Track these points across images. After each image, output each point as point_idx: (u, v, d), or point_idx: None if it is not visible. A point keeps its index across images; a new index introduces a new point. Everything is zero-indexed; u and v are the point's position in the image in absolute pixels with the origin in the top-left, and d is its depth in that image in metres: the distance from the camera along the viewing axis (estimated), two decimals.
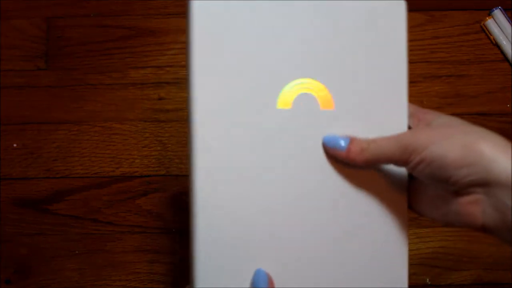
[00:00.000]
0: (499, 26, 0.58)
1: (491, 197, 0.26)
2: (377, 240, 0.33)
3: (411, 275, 0.54)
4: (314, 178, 0.32)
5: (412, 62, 0.59)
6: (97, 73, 0.58)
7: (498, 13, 0.58)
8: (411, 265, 0.54)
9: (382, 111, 0.33)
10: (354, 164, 0.32)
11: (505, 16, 0.58)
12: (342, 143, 0.31)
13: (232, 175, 0.32)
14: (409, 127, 0.34)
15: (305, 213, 0.32)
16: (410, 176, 0.33)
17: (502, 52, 0.59)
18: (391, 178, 0.33)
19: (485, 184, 0.26)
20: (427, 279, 0.53)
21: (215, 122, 0.31)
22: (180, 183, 0.56)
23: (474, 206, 0.28)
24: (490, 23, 0.59)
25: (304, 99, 0.32)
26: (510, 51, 0.58)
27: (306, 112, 0.32)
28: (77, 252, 0.55)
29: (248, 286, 0.31)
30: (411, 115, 0.34)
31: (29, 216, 0.56)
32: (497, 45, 0.59)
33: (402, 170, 0.33)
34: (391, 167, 0.33)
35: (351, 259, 0.33)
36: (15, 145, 0.57)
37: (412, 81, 0.59)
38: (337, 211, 0.33)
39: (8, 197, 0.56)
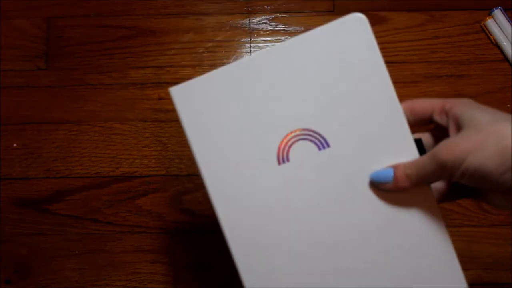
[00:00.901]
0: (499, 26, 0.58)
1: None
2: (423, 252, 0.33)
3: None
4: (339, 211, 0.33)
5: (412, 62, 0.59)
6: (97, 73, 0.58)
7: (498, 13, 0.58)
8: None
9: (378, 129, 0.33)
10: (401, 191, 0.32)
11: (505, 16, 0.58)
12: (389, 174, 0.32)
13: (257, 238, 0.33)
14: (436, 126, 0.34)
15: (341, 245, 0.33)
16: None
17: (502, 52, 0.59)
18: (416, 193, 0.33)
19: None
20: None
21: (227, 192, 0.33)
22: (180, 183, 0.56)
23: None
24: (490, 23, 0.59)
25: (300, 148, 0.33)
26: (510, 51, 0.58)
27: (306, 159, 0.33)
28: (77, 252, 0.55)
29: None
30: (438, 112, 0.33)
31: (29, 216, 0.56)
32: (497, 45, 0.59)
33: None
34: None
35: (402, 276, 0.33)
36: (15, 145, 0.57)
37: (413, 81, 0.59)
38: (372, 237, 0.33)
39: (8, 197, 0.56)
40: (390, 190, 0.32)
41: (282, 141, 0.33)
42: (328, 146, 0.33)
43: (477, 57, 0.59)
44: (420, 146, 0.33)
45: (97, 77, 0.58)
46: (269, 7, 0.61)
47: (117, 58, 0.59)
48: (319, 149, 0.33)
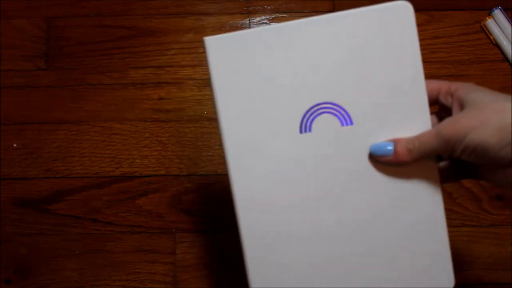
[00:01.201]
0: (499, 26, 0.58)
1: None
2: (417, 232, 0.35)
3: None
4: (347, 188, 0.34)
5: None
6: (97, 73, 0.58)
7: (498, 13, 0.58)
8: None
9: (402, 115, 0.34)
10: (402, 164, 0.34)
11: (505, 16, 0.58)
12: (389, 148, 0.33)
13: (268, 203, 0.34)
14: (441, 106, 0.35)
15: (345, 220, 0.34)
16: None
17: (502, 52, 0.59)
18: (422, 171, 0.34)
19: None
20: None
21: (246, 155, 0.34)
22: (180, 183, 0.56)
23: None
24: (490, 23, 0.59)
25: (324, 121, 0.34)
26: (510, 51, 0.58)
27: (327, 132, 0.34)
28: (77, 252, 0.55)
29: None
30: (444, 93, 0.35)
31: (29, 216, 0.56)
32: (497, 45, 0.59)
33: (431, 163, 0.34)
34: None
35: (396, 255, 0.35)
36: (15, 145, 0.57)
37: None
38: (375, 214, 0.34)
39: (8, 197, 0.56)
40: (391, 162, 0.34)
41: (307, 110, 0.34)
42: (352, 123, 0.34)
43: (477, 57, 0.59)
44: None
45: (97, 77, 0.58)
46: (269, 7, 0.61)
47: (117, 58, 0.59)
48: (342, 124, 0.34)
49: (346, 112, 0.34)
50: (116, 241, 0.55)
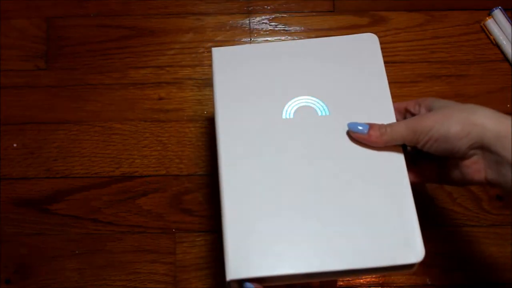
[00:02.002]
0: (499, 26, 0.58)
1: (486, 154, 0.35)
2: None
3: (411, 275, 0.54)
4: (322, 166, 0.39)
5: (412, 62, 0.59)
6: (97, 73, 0.58)
7: (498, 13, 0.58)
8: None
9: (370, 109, 0.41)
10: (374, 145, 0.39)
11: (505, 16, 0.58)
12: (363, 128, 0.39)
13: (252, 170, 0.39)
14: (410, 115, 0.42)
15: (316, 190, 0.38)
16: (433, 157, 0.39)
17: (502, 52, 0.59)
18: (391, 153, 0.39)
19: (480, 145, 0.35)
20: (427, 279, 0.53)
21: (236, 134, 0.40)
22: (180, 183, 0.56)
23: (476, 165, 0.36)
24: (490, 23, 0.59)
25: (304, 110, 0.41)
26: (510, 51, 0.58)
27: (307, 119, 0.41)
28: (77, 252, 0.55)
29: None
30: (412, 105, 0.41)
31: (29, 216, 0.56)
32: (497, 45, 0.59)
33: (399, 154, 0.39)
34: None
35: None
36: (15, 145, 0.57)
37: (413, 80, 0.59)
38: (343, 185, 0.38)
39: (8, 197, 0.56)
40: (362, 141, 0.39)
41: (290, 100, 0.41)
42: (328, 113, 0.41)
43: (477, 57, 0.59)
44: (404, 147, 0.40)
45: (97, 77, 0.58)
46: (269, 7, 0.61)
47: (117, 58, 0.59)
48: (319, 114, 0.41)
49: (324, 104, 0.41)
50: (116, 241, 0.55)
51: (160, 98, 0.58)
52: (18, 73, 0.58)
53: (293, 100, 0.41)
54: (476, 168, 0.37)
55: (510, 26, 0.58)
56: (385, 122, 0.39)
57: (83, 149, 0.57)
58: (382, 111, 0.41)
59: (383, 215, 0.37)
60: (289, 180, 0.38)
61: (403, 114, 0.43)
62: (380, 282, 0.53)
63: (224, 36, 0.60)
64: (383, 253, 0.36)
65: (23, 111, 0.58)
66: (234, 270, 0.35)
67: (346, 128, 0.40)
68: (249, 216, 0.37)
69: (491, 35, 0.59)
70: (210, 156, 0.56)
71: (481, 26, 0.59)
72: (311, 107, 0.41)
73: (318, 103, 0.41)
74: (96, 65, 0.59)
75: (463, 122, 0.35)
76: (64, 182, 0.56)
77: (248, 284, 0.35)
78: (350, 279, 0.53)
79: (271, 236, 0.37)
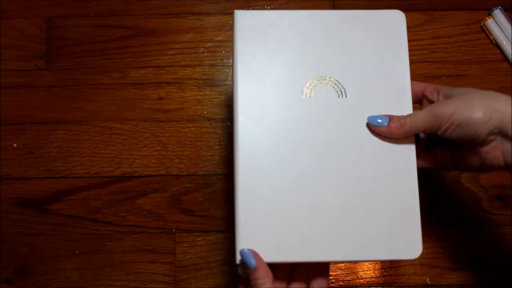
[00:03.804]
0: (499, 26, 0.58)
1: (505, 139, 0.36)
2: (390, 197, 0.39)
3: (411, 275, 0.54)
4: (334, 151, 0.39)
5: (412, 62, 0.59)
6: (97, 73, 0.58)
7: (498, 13, 0.58)
8: (412, 265, 0.54)
9: (388, 95, 0.40)
10: (395, 137, 0.39)
11: (505, 16, 0.58)
12: (382, 121, 0.39)
13: (267, 148, 0.39)
14: (427, 101, 0.42)
15: (329, 175, 0.39)
16: (447, 144, 0.41)
17: (502, 52, 0.59)
18: (402, 146, 0.40)
19: (500, 131, 0.35)
20: (427, 279, 0.53)
21: (254, 111, 0.40)
22: (180, 183, 0.56)
23: (495, 150, 0.37)
24: (490, 23, 0.59)
25: (323, 91, 0.40)
26: (510, 51, 0.58)
27: (324, 101, 0.40)
28: (77, 252, 0.55)
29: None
30: (430, 90, 0.41)
31: (29, 216, 0.56)
32: (497, 45, 0.59)
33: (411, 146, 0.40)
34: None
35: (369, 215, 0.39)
36: (15, 145, 0.57)
37: (413, 80, 0.59)
38: (356, 172, 0.39)
39: (8, 197, 0.56)
40: (382, 134, 0.39)
41: (310, 79, 0.40)
42: (346, 96, 0.40)
43: (477, 57, 0.59)
44: (417, 136, 0.41)
45: (97, 77, 0.58)
46: (269, 7, 0.61)
47: (117, 58, 0.59)
48: (338, 96, 0.40)
49: (343, 87, 0.40)
50: (116, 241, 0.55)
51: (160, 98, 0.58)
52: (18, 73, 0.58)
53: (313, 79, 0.41)
54: (494, 153, 0.37)
55: (510, 26, 0.58)
56: (402, 110, 0.40)
57: (83, 149, 0.57)
58: (399, 99, 0.40)
59: (387, 209, 0.38)
60: (300, 165, 0.39)
61: (419, 98, 0.43)
62: (380, 282, 0.53)
63: (224, 36, 0.60)
64: (382, 247, 0.38)
65: (23, 111, 0.58)
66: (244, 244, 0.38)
67: (361, 114, 0.40)
68: (261, 201, 0.39)
69: (491, 35, 0.59)
70: (210, 156, 0.56)
71: (481, 26, 0.59)
72: (330, 88, 0.40)
73: (337, 84, 0.40)
74: (96, 65, 0.59)
75: (485, 107, 0.35)
76: (64, 182, 0.56)
77: (245, 250, 0.37)
78: (350, 278, 0.54)
79: (280, 223, 0.38)
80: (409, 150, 0.39)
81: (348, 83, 0.40)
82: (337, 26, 0.41)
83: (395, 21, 0.42)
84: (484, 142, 0.37)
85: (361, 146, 0.39)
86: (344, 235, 0.38)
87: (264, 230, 0.38)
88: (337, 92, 0.40)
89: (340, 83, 0.40)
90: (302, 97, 0.40)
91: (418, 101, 0.43)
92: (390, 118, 0.39)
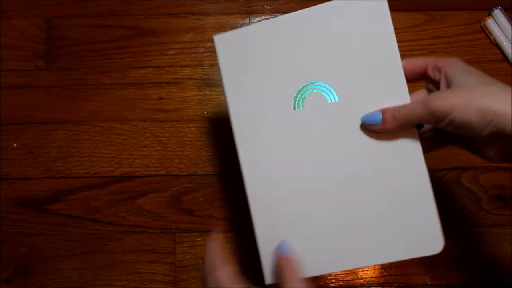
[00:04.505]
0: (499, 26, 0.58)
1: (507, 140, 0.34)
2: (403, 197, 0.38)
3: (411, 275, 0.54)
4: (337, 158, 0.39)
5: None
6: (97, 73, 0.58)
7: (498, 13, 0.58)
8: (412, 265, 0.54)
9: (383, 90, 0.38)
10: (390, 132, 0.37)
11: (505, 16, 0.58)
12: (378, 117, 0.37)
13: (271, 172, 0.39)
14: (429, 80, 0.39)
15: (333, 183, 0.39)
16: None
17: (502, 52, 0.59)
18: (405, 139, 0.38)
19: (502, 134, 0.33)
20: (427, 279, 0.53)
21: (249, 129, 0.40)
22: (180, 183, 0.56)
23: (496, 148, 0.36)
24: (490, 23, 0.59)
25: (314, 98, 0.39)
26: (510, 51, 0.58)
27: (316, 109, 0.39)
28: (77, 252, 0.55)
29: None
30: (431, 68, 0.38)
31: (29, 216, 0.56)
32: (497, 45, 0.59)
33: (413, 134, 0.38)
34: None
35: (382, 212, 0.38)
36: (15, 145, 0.57)
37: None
38: (362, 176, 0.38)
39: (8, 197, 0.56)
40: (378, 131, 0.37)
41: (298, 90, 0.39)
42: (337, 99, 0.39)
43: (477, 57, 0.59)
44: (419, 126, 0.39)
45: (97, 77, 0.58)
46: (269, 7, 0.61)
47: (117, 58, 0.59)
48: (329, 100, 0.39)
49: (332, 90, 0.39)
50: (116, 241, 0.55)
51: (160, 98, 0.58)
52: (18, 73, 0.58)
53: (301, 88, 0.39)
54: (495, 151, 0.36)
55: (510, 26, 0.58)
56: (398, 100, 0.38)
57: (83, 149, 0.57)
58: (394, 90, 0.38)
59: (403, 207, 0.38)
60: (307, 178, 0.39)
61: (422, 75, 0.40)
62: (380, 282, 0.53)
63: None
64: (405, 246, 0.37)
65: (23, 111, 0.58)
66: (270, 274, 0.38)
67: (356, 114, 0.38)
68: (275, 217, 0.39)
69: (491, 35, 0.59)
70: (210, 156, 0.56)
71: (481, 26, 0.59)
72: (319, 94, 0.39)
73: (326, 88, 0.39)
74: (96, 65, 0.59)
75: (485, 110, 0.33)
76: (64, 182, 0.56)
77: (286, 243, 0.38)
78: (350, 278, 0.53)
79: (303, 237, 0.39)
80: (414, 144, 0.38)
81: (337, 84, 0.39)
82: (315, 25, 0.39)
83: (375, 6, 0.39)
84: (484, 141, 0.35)
85: (363, 147, 0.38)
86: (367, 239, 0.38)
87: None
88: (328, 96, 0.39)
89: (328, 86, 0.39)
90: (294, 110, 0.39)
91: (422, 78, 0.40)
92: (384, 111, 0.37)
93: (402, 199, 0.38)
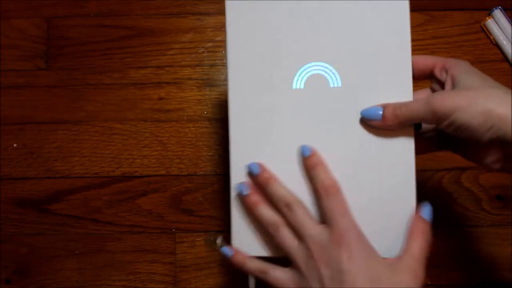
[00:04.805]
0: (499, 26, 0.58)
1: (506, 148, 0.34)
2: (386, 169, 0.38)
3: None
4: (327, 146, 0.38)
5: None
6: (97, 73, 0.58)
7: (498, 13, 0.58)
8: None
9: (387, 83, 0.37)
10: (390, 129, 0.36)
11: (505, 16, 0.58)
12: (378, 112, 0.36)
13: (261, 148, 0.39)
14: (435, 80, 0.38)
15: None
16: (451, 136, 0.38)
17: (502, 52, 0.59)
18: (400, 136, 0.37)
19: (502, 140, 0.32)
20: (427, 279, 0.53)
21: (246, 104, 0.39)
22: (180, 183, 0.56)
23: (497, 154, 0.35)
24: (490, 23, 0.59)
25: (316, 80, 0.38)
26: (510, 51, 0.58)
27: (317, 90, 0.38)
28: (77, 252, 0.55)
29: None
30: (439, 68, 0.38)
31: (29, 216, 0.56)
32: (497, 45, 0.59)
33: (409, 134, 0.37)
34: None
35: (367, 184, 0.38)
36: (15, 145, 0.57)
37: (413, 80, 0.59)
38: (353, 157, 0.38)
39: (8, 197, 0.56)
40: (378, 127, 0.36)
41: (301, 68, 0.38)
42: (340, 85, 0.38)
43: (477, 57, 0.59)
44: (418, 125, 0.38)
45: (97, 77, 0.58)
46: None
47: (117, 58, 0.59)
48: (331, 85, 0.38)
49: (336, 74, 0.38)
50: (116, 241, 0.55)
51: (160, 98, 0.58)
52: (18, 73, 0.58)
53: (305, 67, 0.38)
54: (495, 157, 0.35)
55: (510, 26, 0.58)
56: (401, 96, 0.37)
57: (83, 149, 0.57)
58: (399, 85, 0.37)
59: (382, 206, 0.37)
60: (293, 159, 0.38)
61: (429, 74, 0.39)
62: None
63: (224, 36, 0.59)
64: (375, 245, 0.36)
65: (23, 111, 0.58)
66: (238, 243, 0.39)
67: (355, 104, 0.37)
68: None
69: (491, 35, 0.59)
70: (210, 156, 0.56)
71: (481, 26, 0.59)
72: (323, 76, 0.38)
73: (330, 71, 0.38)
74: (96, 65, 0.59)
75: (487, 113, 0.32)
76: (64, 182, 0.56)
77: (252, 164, 0.38)
78: None
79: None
80: (408, 143, 0.37)
81: (342, 69, 0.38)
82: (333, 7, 0.38)
83: (397, 10, 0.38)
84: (484, 146, 0.35)
85: (356, 139, 0.37)
86: None
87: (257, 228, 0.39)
88: (330, 80, 0.38)
89: (333, 70, 0.38)
90: (294, 87, 0.38)
91: (428, 77, 0.40)
92: (385, 107, 0.36)
93: (385, 198, 0.37)
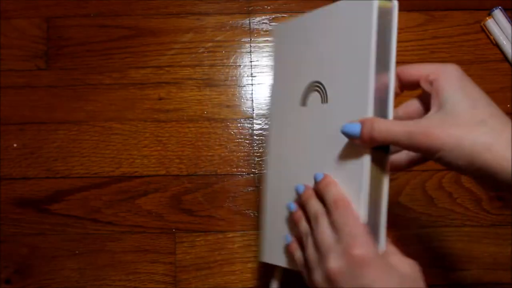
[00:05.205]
0: (499, 26, 0.58)
1: (497, 185, 0.31)
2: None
3: None
4: (316, 149, 0.39)
5: (412, 62, 0.59)
6: (97, 73, 0.58)
7: (498, 13, 0.58)
8: None
9: (351, 103, 0.35)
10: (367, 147, 0.34)
11: (505, 16, 0.58)
12: (354, 130, 0.34)
13: (281, 146, 0.44)
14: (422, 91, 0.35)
15: (310, 161, 0.40)
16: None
17: (502, 52, 0.59)
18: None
19: (493, 180, 0.30)
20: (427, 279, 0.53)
21: (271, 120, 0.46)
22: (180, 183, 0.56)
23: (487, 187, 0.32)
24: (490, 23, 0.59)
25: (314, 97, 0.39)
26: (510, 51, 0.58)
27: (314, 108, 0.39)
28: (77, 252, 0.55)
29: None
30: (423, 80, 0.35)
31: (29, 216, 0.56)
32: (497, 45, 0.59)
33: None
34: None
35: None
36: (15, 145, 0.57)
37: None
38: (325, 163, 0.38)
39: (8, 197, 0.56)
40: (358, 143, 0.34)
41: (306, 86, 0.40)
42: (327, 101, 0.38)
43: (477, 57, 0.59)
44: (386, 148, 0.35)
45: (97, 77, 0.58)
46: (269, 7, 0.61)
47: (117, 58, 0.59)
48: (322, 102, 0.39)
49: (326, 92, 0.38)
50: (116, 241, 0.55)
51: (160, 98, 0.58)
52: (18, 73, 0.58)
53: (308, 85, 0.40)
54: (489, 187, 0.33)
55: (510, 26, 0.58)
56: (361, 117, 0.34)
57: (83, 149, 0.57)
58: (360, 101, 0.34)
59: None
60: (291, 172, 0.42)
61: (414, 85, 0.36)
62: None
63: (224, 36, 0.60)
64: None
65: (23, 111, 0.58)
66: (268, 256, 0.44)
67: (335, 121, 0.36)
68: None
69: (491, 35, 0.59)
70: (210, 156, 0.56)
71: (481, 26, 0.59)
72: (318, 93, 0.39)
73: (323, 89, 0.38)
74: (96, 65, 0.59)
75: (475, 158, 0.30)
76: (64, 182, 0.56)
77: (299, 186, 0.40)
78: None
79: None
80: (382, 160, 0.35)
81: (330, 86, 0.38)
82: (323, 24, 0.39)
83: (363, 9, 0.35)
84: (475, 179, 0.33)
85: (324, 157, 0.37)
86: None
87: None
88: (322, 97, 0.38)
89: (324, 88, 0.38)
90: (301, 107, 0.41)
91: (416, 87, 0.36)
92: (362, 123, 0.33)
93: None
